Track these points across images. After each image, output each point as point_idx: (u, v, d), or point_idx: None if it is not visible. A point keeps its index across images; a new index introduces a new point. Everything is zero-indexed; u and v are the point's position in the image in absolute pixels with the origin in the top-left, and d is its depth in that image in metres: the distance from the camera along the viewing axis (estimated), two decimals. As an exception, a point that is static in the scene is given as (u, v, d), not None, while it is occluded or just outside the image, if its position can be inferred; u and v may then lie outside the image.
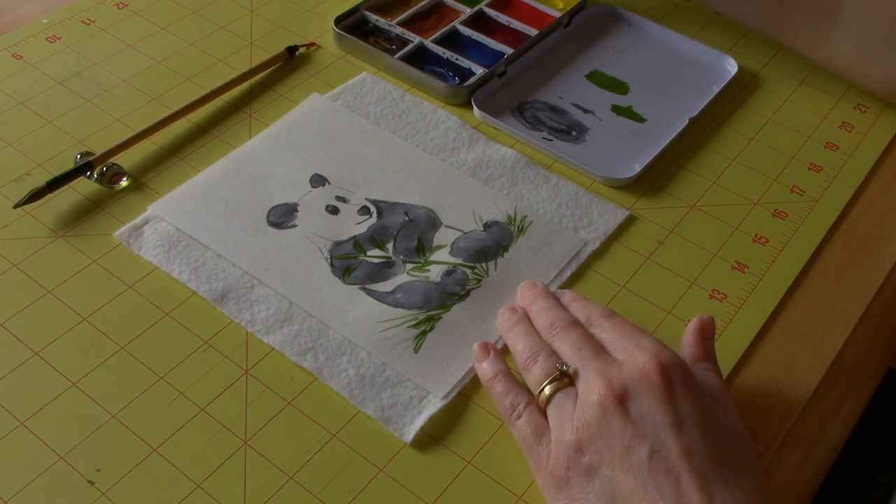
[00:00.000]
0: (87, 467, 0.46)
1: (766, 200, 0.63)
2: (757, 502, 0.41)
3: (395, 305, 0.54)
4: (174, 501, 0.45)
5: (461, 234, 0.58)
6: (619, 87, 0.70)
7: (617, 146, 0.65)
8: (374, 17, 0.73)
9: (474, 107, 0.66)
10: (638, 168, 0.63)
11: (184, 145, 0.63)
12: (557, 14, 0.75)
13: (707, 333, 0.48)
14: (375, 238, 0.57)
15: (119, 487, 0.45)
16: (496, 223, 0.59)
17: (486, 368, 0.49)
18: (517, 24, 0.74)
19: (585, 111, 0.68)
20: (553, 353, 0.47)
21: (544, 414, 0.45)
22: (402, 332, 0.52)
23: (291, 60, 0.71)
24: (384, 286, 0.55)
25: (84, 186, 0.60)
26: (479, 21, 0.74)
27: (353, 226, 0.58)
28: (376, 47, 0.70)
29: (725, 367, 0.52)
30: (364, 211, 0.59)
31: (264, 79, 0.69)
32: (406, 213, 0.59)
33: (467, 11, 0.75)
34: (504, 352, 0.51)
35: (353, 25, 0.73)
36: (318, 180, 0.61)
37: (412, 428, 0.48)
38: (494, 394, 0.48)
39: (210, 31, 0.73)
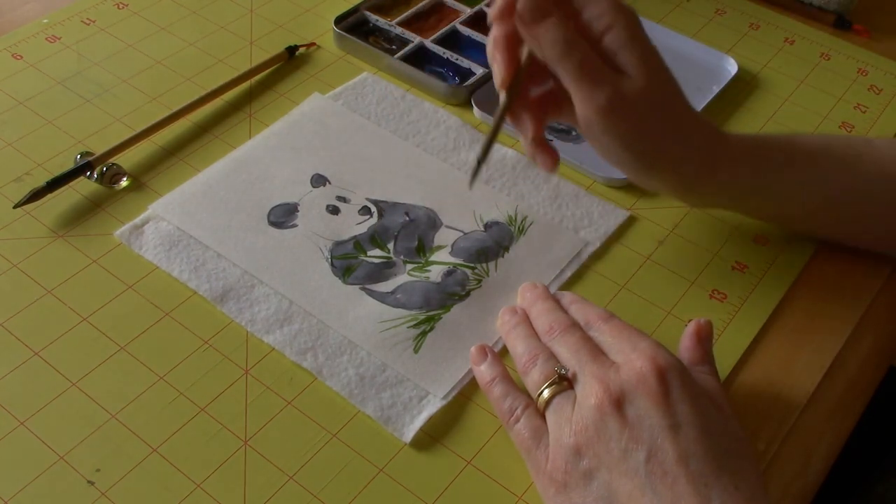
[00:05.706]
0: (87, 467, 0.46)
1: (767, 200, 0.62)
2: (755, 504, 0.41)
3: (396, 306, 0.54)
4: (174, 501, 0.45)
5: (461, 234, 0.58)
6: (619, 87, 0.70)
7: (617, 146, 0.65)
8: (374, 17, 0.73)
9: (474, 107, 0.66)
10: (638, 168, 0.63)
11: (184, 145, 0.63)
12: (558, 14, 0.75)
13: (704, 337, 0.48)
14: (376, 238, 0.57)
15: (119, 487, 0.45)
16: (496, 223, 0.59)
17: (483, 371, 0.49)
18: (517, 24, 0.74)
19: (585, 111, 0.68)
20: (552, 356, 0.47)
21: (542, 417, 0.45)
22: (402, 332, 0.52)
23: (291, 60, 0.71)
24: (384, 286, 0.55)
25: (84, 186, 0.60)
26: (479, 21, 0.74)
27: (354, 226, 0.58)
28: (376, 47, 0.70)
29: (725, 368, 0.52)
30: (364, 211, 0.59)
31: (264, 79, 0.69)
32: (406, 214, 0.59)
33: (467, 11, 0.75)
34: (503, 353, 0.51)
35: (353, 25, 0.73)
36: (318, 180, 0.61)
37: (412, 428, 0.48)
38: (492, 397, 0.48)
39: (210, 31, 0.73)
